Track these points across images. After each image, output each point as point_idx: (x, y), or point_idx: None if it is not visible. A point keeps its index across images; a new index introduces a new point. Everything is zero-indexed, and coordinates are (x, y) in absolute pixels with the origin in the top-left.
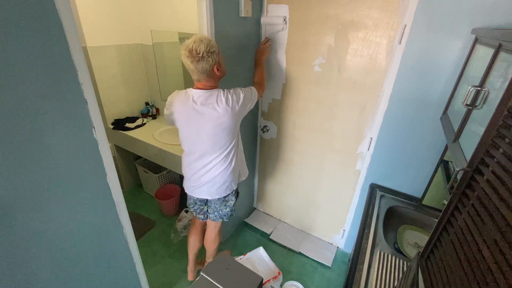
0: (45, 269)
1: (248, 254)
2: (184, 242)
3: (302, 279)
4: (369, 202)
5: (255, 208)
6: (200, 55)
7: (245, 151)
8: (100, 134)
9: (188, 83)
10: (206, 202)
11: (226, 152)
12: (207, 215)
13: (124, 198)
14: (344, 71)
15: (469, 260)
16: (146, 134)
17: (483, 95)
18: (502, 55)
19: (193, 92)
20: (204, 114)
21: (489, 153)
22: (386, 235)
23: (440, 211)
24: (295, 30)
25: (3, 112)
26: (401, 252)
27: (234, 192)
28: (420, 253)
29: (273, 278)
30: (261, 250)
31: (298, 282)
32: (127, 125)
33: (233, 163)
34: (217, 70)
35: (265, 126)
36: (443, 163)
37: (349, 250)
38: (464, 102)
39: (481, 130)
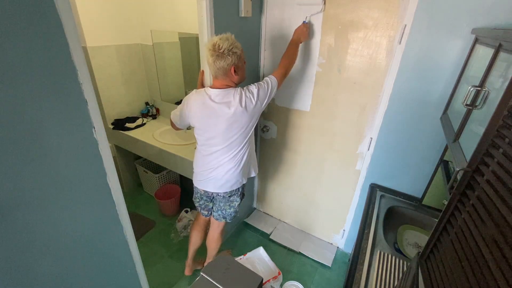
0: (45, 268)
1: (248, 254)
2: (184, 242)
3: (302, 279)
4: (369, 202)
5: (255, 208)
6: (221, 51)
7: None
8: (100, 134)
9: (188, 83)
10: (212, 198)
11: (237, 151)
12: (211, 212)
13: (124, 198)
14: (344, 71)
15: (469, 260)
16: (146, 134)
17: (483, 95)
18: (502, 55)
19: (210, 91)
20: (219, 112)
21: (489, 153)
22: (386, 235)
23: (440, 211)
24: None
25: (3, 112)
26: (401, 252)
27: (239, 191)
28: (420, 253)
29: (273, 278)
30: (261, 250)
31: (298, 282)
32: (127, 125)
33: (242, 162)
34: (234, 72)
35: (265, 126)
36: (443, 163)
37: (349, 250)
38: (464, 102)
39: (481, 130)
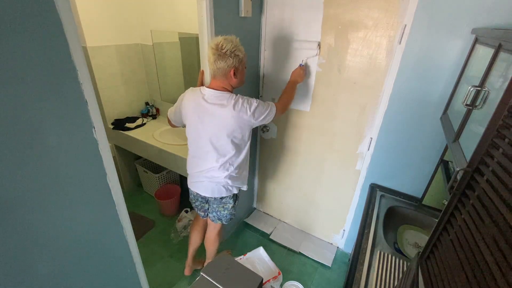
0: (45, 268)
1: (248, 254)
2: (184, 242)
3: (302, 279)
4: (369, 202)
5: (255, 208)
6: (224, 51)
7: None
8: (100, 134)
9: (188, 83)
10: (207, 200)
11: (225, 159)
12: (207, 213)
13: (124, 198)
14: (344, 71)
15: (469, 260)
16: (146, 134)
17: (483, 95)
18: (502, 55)
19: (205, 91)
20: (210, 113)
21: (489, 153)
22: (386, 235)
23: (440, 211)
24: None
25: (3, 112)
26: (401, 252)
27: (232, 195)
28: (420, 253)
29: (273, 278)
30: (261, 250)
31: (298, 282)
32: (127, 125)
33: (232, 172)
34: (234, 74)
35: (265, 126)
36: (443, 163)
37: (349, 250)
38: (464, 102)
39: (481, 130)
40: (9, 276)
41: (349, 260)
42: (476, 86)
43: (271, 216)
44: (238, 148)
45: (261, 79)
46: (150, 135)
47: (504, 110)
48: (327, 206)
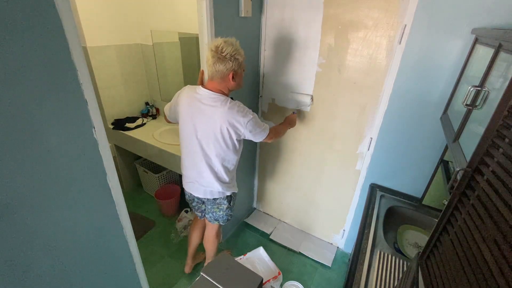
0: (45, 269)
1: (248, 254)
2: (184, 242)
3: (302, 279)
4: (369, 202)
5: (255, 208)
6: (223, 54)
7: (245, 151)
8: (100, 134)
9: (188, 83)
10: (203, 200)
11: (214, 163)
12: (204, 214)
13: (124, 198)
14: (344, 71)
15: (469, 260)
16: (146, 134)
17: (483, 95)
18: (502, 55)
19: (201, 91)
20: (202, 113)
21: (489, 153)
22: (386, 235)
23: (440, 211)
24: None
25: (3, 112)
26: (401, 252)
27: (225, 197)
28: (420, 253)
29: (273, 278)
30: (261, 250)
31: (298, 282)
32: (127, 125)
33: (222, 176)
34: (232, 78)
35: None
36: (443, 163)
37: (349, 250)
38: (464, 102)
39: (481, 130)
40: (9, 276)
41: (349, 260)
42: (476, 86)
43: (271, 216)
44: (227, 151)
45: (261, 79)
46: (150, 135)
47: (504, 110)
48: (327, 206)
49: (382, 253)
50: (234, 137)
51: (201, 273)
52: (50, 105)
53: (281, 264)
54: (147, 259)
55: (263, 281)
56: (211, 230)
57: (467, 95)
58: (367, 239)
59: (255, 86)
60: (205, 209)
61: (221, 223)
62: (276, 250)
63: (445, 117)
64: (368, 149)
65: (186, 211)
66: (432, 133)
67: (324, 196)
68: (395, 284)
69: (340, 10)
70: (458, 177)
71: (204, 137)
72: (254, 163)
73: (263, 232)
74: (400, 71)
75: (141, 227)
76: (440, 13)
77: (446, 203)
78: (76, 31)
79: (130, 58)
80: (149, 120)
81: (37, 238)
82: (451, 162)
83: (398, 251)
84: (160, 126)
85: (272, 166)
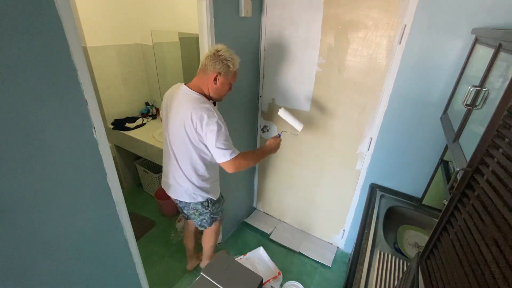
0: (45, 268)
1: (248, 254)
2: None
3: (302, 279)
4: (369, 202)
5: (255, 208)
6: (219, 53)
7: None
8: (100, 134)
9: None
10: (177, 202)
11: (184, 163)
12: (188, 216)
13: (124, 198)
14: (344, 71)
15: (469, 260)
16: (146, 134)
17: (483, 95)
18: (502, 55)
19: (183, 87)
20: (175, 111)
21: (489, 153)
22: (386, 235)
23: (440, 211)
24: None
25: (3, 112)
26: (401, 252)
27: (198, 202)
28: (420, 253)
29: (273, 278)
30: (261, 250)
31: (298, 282)
32: (127, 125)
33: (194, 180)
34: (214, 81)
35: (265, 126)
36: (443, 163)
37: (349, 250)
38: (464, 102)
39: (481, 130)
40: (9, 276)
41: (349, 260)
42: (476, 86)
43: (271, 216)
44: (196, 155)
45: (261, 79)
46: (150, 135)
47: (504, 110)
48: (327, 206)
49: (382, 253)
50: (196, 137)
51: (201, 273)
52: (50, 105)
53: (281, 264)
54: (147, 259)
55: (263, 281)
56: (205, 232)
57: (467, 95)
58: (367, 239)
59: (255, 86)
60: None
61: (206, 227)
62: (276, 250)
63: (445, 117)
64: (368, 149)
65: None
66: (432, 133)
67: (324, 196)
68: (395, 284)
69: (340, 10)
70: (458, 177)
71: (173, 136)
72: None
73: (263, 232)
74: (400, 71)
75: (141, 227)
76: (440, 13)
77: (446, 203)
78: (76, 31)
79: (130, 58)
80: (149, 120)
81: (36, 238)
82: (451, 162)
83: (398, 251)
84: (160, 126)
85: (272, 166)
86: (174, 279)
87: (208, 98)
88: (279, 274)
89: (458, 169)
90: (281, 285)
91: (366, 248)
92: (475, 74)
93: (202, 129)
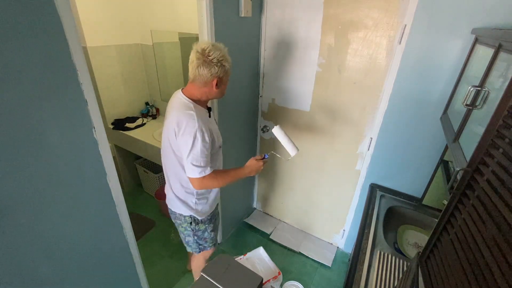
0: (45, 268)
1: (248, 254)
2: None
3: (302, 279)
4: (369, 202)
5: (255, 208)
6: (210, 58)
7: (245, 150)
8: (100, 134)
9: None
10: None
11: (171, 171)
12: None
13: (124, 198)
14: (344, 71)
15: (469, 260)
16: (146, 134)
17: (483, 95)
18: (502, 55)
19: (179, 94)
20: (168, 117)
21: (489, 153)
22: (386, 235)
23: (440, 211)
24: None
25: (3, 112)
26: (401, 252)
27: (184, 216)
28: (420, 253)
29: (273, 278)
30: (261, 250)
31: (298, 282)
32: (127, 125)
33: (178, 190)
34: (216, 85)
35: (265, 126)
36: (443, 163)
37: (349, 250)
38: (464, 102)
39: (481, 130)
40: (9, 276)
41: (349, 260)
42: (476, 86)
43: (271, 216)
44: (180, 166)
45: (261, 79)
46: (150, 135)
47: (504, 110)
48: (327, 206)
49: (382, 253)
50: (177, 145)
51: (201, 273)
52: (50, 105)
53: (281, 264)
54: (147, 259)
55: (263, 281)
56: (193, 256)
57: (467, 95)
58: (367, 239)
59: (255, 86)
60: None
61: (192, 251)
62: (276, 250)
63: (445, 117)
64: (368, 149)
65: None
66: (432, 133)
67: (324, 196)
68: (395, 284)
69: (340, 10)
70: (458, 177)
71: (162, 143)
72: None
73: (263, 232)
74: (400, 71)
75: (141, 227)
76: (440, 13)
77: (446, 203)
78: (76, 31)
79: (130, 58)
80: (149, 120)
81: (36, 238)
82: (451, 162)
83: (398, 251)
84: (160, 126)
85: (272, 166)
86: (174, 279)
87: (203, 101)
88: (279, 274)
89: (458, 169)
90: (281, 285)
91: (366, 248)
92: (475, 74)
93: (178, 138)
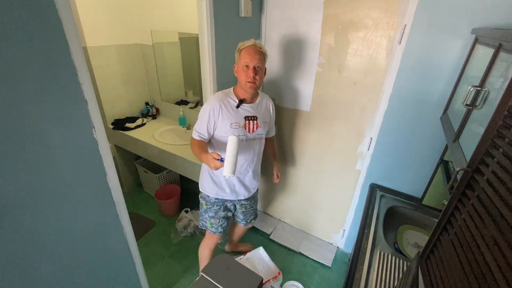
0: (45, 268)
1: (248, 254)
2: (184, 242)
3: (302, 279)
4: (369, 202)
5: None
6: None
7: None
8: (100, 134)
9: (188, 83)
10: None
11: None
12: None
13: (124, 198)
14: (344, 71)
15: (469, 260)
16: (146, 134)
17: (483, 95)
18: (502, 55)
19: None
20: None
21: (489, 153)
22: (386, 235)
23: (440, 211)
24: None
25: (3, 112)
26: (401, 252)
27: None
28: (420, 253)
29: (273, 278)
30: (261, 250)
31: (298, 282)
32: (127, 125)
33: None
34: (236, 74)
35: None
36: (443, 163)
37: (349, 250)
38: (464, 102)
39: (481, 130)
40: (9, 276)
41: (349, 260)
42: (476, 86)
43: (271, 216)
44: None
45: None
46: (150, 135)
47: (504, 110)
48: (327, 206)
49: (382, 253)
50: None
51: (201, 273)
52: (50, 105)
53: (281, 264)
54: (147, 259)
55: (263, 281)
56: (200, 246)
57: (467, 95)
58: (367, 239)
59: None
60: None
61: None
62: (276, 250)
63: (445, 117)
64: (368, 149)
65: (186, 211)
66: (432, 133)
67: (324, 196)
68: (395, 284)
69: (340, 10)
70: (458, 177)
71: None
72: None
73: (263, 232)
74: (400, 71)
75: (141, 227)
76: (440, 13)
77: (446, 203)
78: (76, 31)
79: (130, 58)
80: (149, 120)
81: (37, 238)
82: (451, 162)
83: (398, 251)
84: (160, 126)
85: (272, 166)
86: (174, 279)
87: (241, 91)
88: (279, 274)
89: (458, 169)
90: (281, 285)
91: (366, 248)
92: (475, 74)
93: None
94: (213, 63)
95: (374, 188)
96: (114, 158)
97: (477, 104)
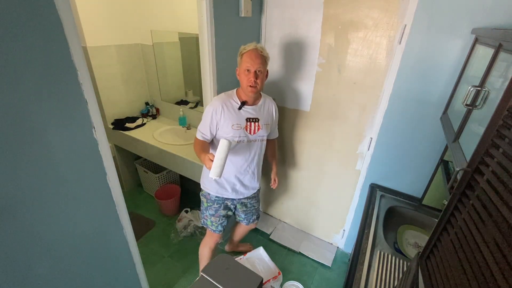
0: (45, 269)
1: (248, 254)
2: (184, 242)
3: (302, 279)
4: (369, 202)
5: None
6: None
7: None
8: (100, 134)
9: (188, 83)
10: None
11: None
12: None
13: (124, 198)
14: (344, 71)
15: (469, 260)
16: (146, 134)
17: (483, 95)
18: (502, 55)
19: None
20: None
21: (489, 153)
22: (386, 235)
23: (440, 211)
24: None
25: (3, 112)
26: (401, 252)
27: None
28: (420, 253)
29: (273, 278)
30: (261, 250)
31: (298, 282)
32: (127, 125)
33: None
34: (238, 77)
35: None
36: (443, 163)
37: (349, 250)
38: (464, 102)
39: (481, 130)
40: (9, 276)
41: (349, 260)
42: (476, 86)
43: (271, 216)
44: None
45: None
46: (150, 135)
47: (504, 110)
48: (327, 206)
49: (382, 253)
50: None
51: (201, 273)
52: (50, 105)
53: (281, 264)
54: (147, 259)
55: (263, 281)
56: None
57: (467, 95)
58: (367, 239)
59: None
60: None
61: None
62: (276, 250)
63: (445, 117)
64: (368, 149)
65: (186, 211)
66: (432, 133)
67: (324, 196)
68: (395, 284)
69: (340, 10)
70: (458, 177)
71: None
72: None
73: (263, 232)
74: (400, 71)
75: (141, 227)
76: (440, 13)
77: (446, 203)
78: (76, 31)
79: (130, 58)
80: (149, 120)
81: (37, 238)
82: (451, 162)
83: (398, 251)
84: (160, 126)
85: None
86: (174, 279)
87: (243, 94)
88: (279, 274)
89: (458, 169)
90: (281, 285)
91: (366, 248)
92: (475, 74)
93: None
94: (213, 63)
95: (374, 188)
96: (114, 158)
97: (477, 104)
